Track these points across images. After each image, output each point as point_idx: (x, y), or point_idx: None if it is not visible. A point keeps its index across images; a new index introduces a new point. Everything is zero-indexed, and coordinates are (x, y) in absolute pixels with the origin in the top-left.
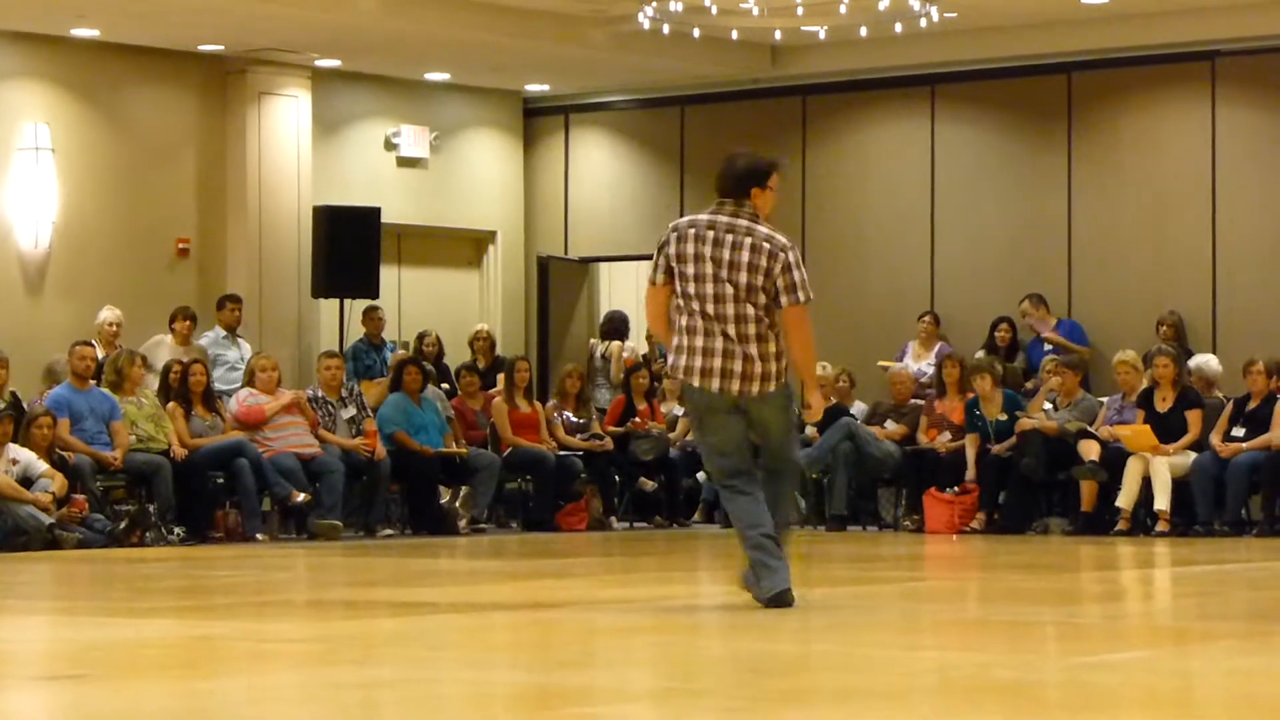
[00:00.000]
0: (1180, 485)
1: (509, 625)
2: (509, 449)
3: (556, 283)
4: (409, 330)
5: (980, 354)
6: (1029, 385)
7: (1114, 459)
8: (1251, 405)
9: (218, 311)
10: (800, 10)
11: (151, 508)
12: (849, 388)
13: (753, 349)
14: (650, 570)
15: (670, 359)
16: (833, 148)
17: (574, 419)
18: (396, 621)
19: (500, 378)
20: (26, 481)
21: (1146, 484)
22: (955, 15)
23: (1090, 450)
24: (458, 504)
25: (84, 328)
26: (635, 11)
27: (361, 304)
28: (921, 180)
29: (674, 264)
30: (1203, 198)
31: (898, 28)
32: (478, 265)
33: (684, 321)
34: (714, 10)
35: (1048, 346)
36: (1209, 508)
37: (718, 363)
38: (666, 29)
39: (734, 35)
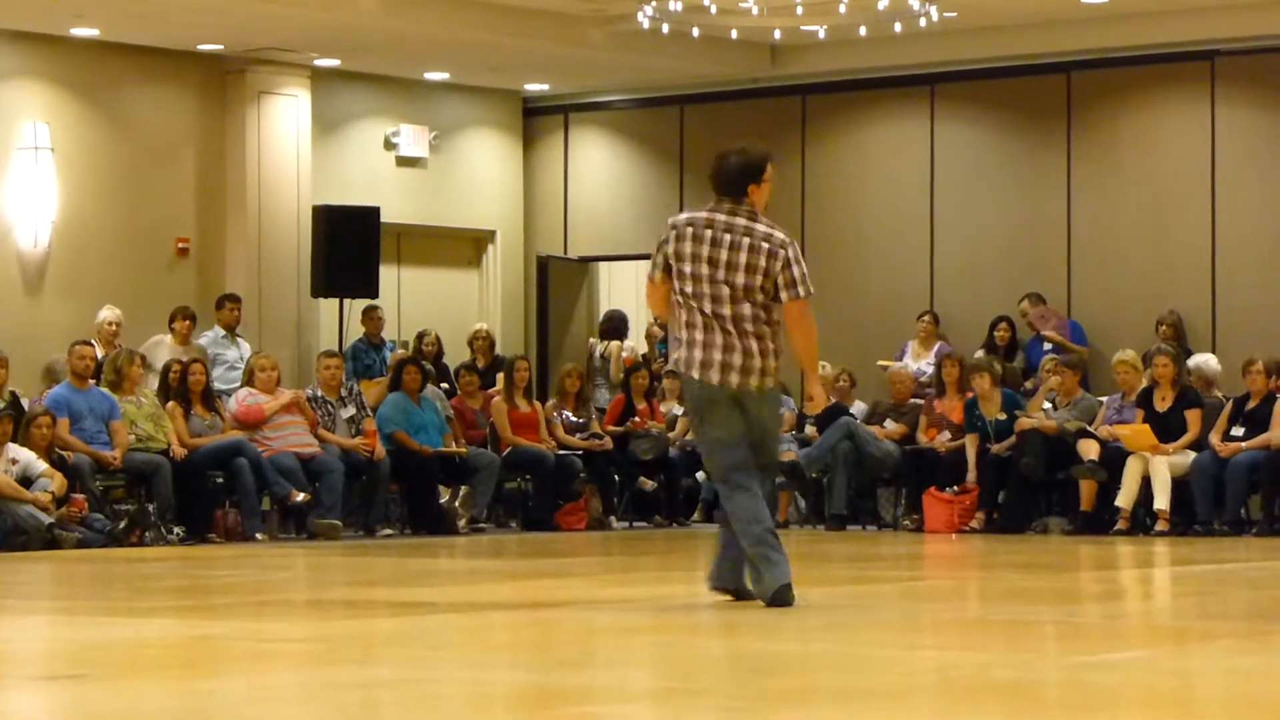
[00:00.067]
0: (1180, 485)
1: (509, 625)
2: (508, 449)
3: (556, 282)
4: (408, 330)
5: (979, 353)
6: (1028, 385)
7: (1113, 458)
8: (1251, 405)
9: (217, 311)
10: (800, 10)
11: (151, 507)
12: (849, 387)
13: (751, 344)
14: (650, 570)
15: (671, 354)
16: (832, 147)
17: (573, 418)
18: (396, 621)
19: (500, 377)
20: (26, 481)
21: (1146, 483)
22: (955, 15)
23: (1090, 450)
24: (457, 504)
25: (83, 327)
26: (635, 11)
27: (361, 303)
28: (921, 180)
29: (672, 262)
30: (1202, 197)
31: (897, 27)
32: (477, 265)
33: (684, 317)
34: (713, 9)
35: (1047, 346)
36: (1208, 507)
37: (717, 356)
38: (666, 28)
39: (733, 35)
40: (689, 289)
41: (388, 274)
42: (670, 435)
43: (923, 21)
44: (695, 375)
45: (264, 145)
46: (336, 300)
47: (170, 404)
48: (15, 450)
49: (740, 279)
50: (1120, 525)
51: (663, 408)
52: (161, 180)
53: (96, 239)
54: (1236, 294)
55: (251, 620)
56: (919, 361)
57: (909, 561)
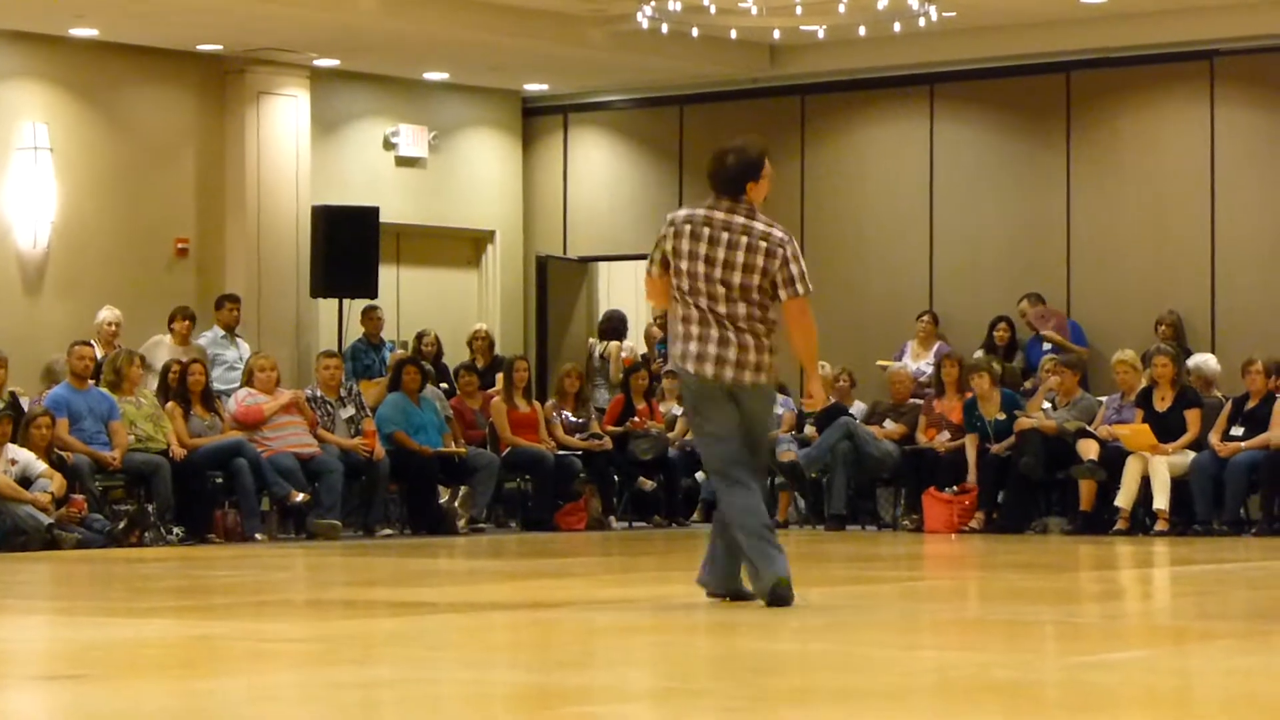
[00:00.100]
0: (1179, 485)
1: (508, 625)
2: (508, 449)
3: (555, 282)
4: (408, 330)
5: (979, 353)
6: (1027, 385)
7: (1113, 458)
8: (1250, 405)
9: (216, 311)
10: (799, 9)
11: (150, 508)
12: (848, 387)
13: (747, 340)
14: (649, 570)
15: (668, 349)
16: (831, 147)
17: (573, 419)
18: (396, 621)
19: (499, 377)
20: (25, 481)
21: (1145, 483)
22: (954, 15)
23: (1089, 450)
24: (457, 504)
25: (83, 327)
26: (634, 11)
27: (360, 304)
28: (920, 180)
29: (670, 258)
30: (1202, 197)
31: (896, 27)
32: (476, 265)
33: (680, 313)
34: (713, 9)
35: (1046, 346)
36: (1208, 507)
37: (713, 350)
38: (665, 28)
39: (733, 35)
40: (686, 286)
41: (387, 274)
42: (669, 435)
43: (922, 21)
44: (690, 369)
45: (263, 145)
46: (336, 300)
47: (170, 404)
48: (15, 451)
49: (737, 278)
50: (1120, 525)
51: (662, 408)
52: (161, 180)
53: (96, 239)
54: (1236, 294)
55: (251, 620)
56: (918, 361)
57: (908, 561)
